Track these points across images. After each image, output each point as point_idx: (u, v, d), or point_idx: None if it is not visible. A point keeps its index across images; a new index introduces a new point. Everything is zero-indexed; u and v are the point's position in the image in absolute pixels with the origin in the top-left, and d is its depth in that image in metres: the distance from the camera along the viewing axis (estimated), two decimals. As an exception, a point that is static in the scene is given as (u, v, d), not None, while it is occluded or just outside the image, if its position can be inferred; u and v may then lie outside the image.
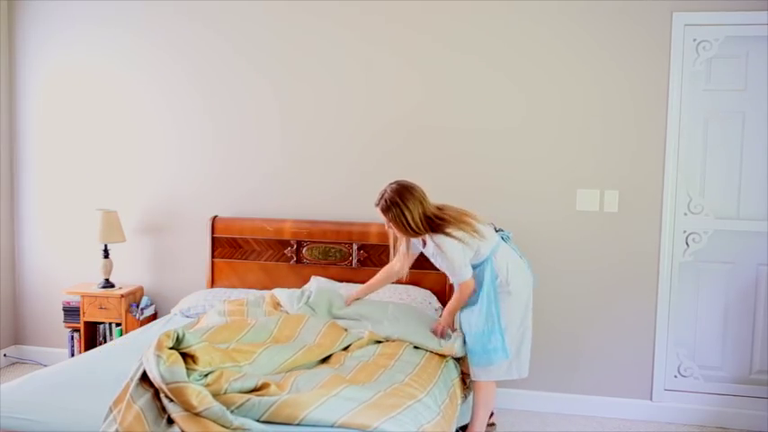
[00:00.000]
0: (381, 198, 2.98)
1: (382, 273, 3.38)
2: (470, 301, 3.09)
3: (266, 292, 3.62)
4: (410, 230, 2.95)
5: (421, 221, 2.94)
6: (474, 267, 3.06)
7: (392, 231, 3.08)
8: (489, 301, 3.01)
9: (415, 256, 3.27)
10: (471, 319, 3.06)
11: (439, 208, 3.01)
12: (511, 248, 3.15)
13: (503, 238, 3.16)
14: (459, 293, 3.09)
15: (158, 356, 2.20)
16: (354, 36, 3.87)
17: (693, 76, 3.58)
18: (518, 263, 3.12)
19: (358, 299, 3.38)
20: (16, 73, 4.32)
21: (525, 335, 3.11)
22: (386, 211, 2.97)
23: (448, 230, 2.93)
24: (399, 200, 2.92)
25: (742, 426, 3.62)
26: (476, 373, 3.07)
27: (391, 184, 3.00)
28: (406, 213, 2.93)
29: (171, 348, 2.26)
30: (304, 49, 3.94)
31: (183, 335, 2.31)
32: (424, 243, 3.11)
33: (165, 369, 2.17)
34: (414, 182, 3.02)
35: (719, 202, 3.64)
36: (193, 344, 2.31)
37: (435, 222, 2.95)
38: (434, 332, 3.12)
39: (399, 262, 3.26)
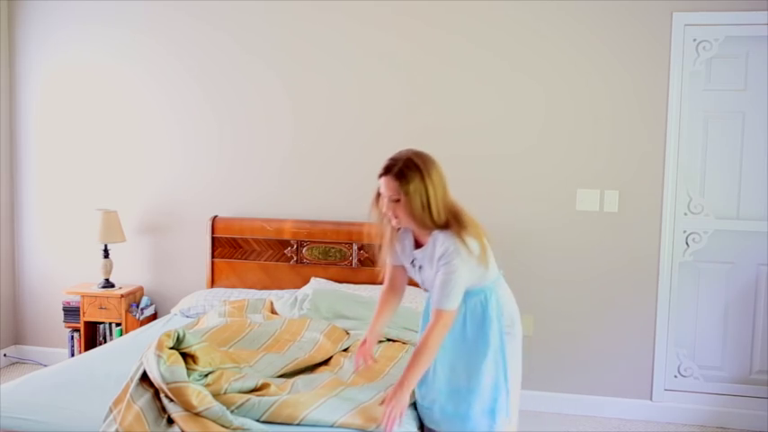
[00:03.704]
0: (395, 163, 2.19)
1: (383, 303, 2.53)
2: (469, 342, 2.29)
3: (266, 295, 3.63)
4: (428, 213, 2.18)
5: (444, 204, 2.20)
6: (471, 295, 2.30)
7: (385, 225, 2.30)
8: (497, 347, 2.27)
9: (403, 271, 2.47)
10: (469, 369, 2.28)
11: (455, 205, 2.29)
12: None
13: None
14: (436, 329, 2.19)
15: (159, 356, 2.20)
16: (343, 38, 3.87)
17: (693, 76, 3.58)
18: (514, 302, 2.46)
19: (374, 337, 2.55)
20: (16, 72, 4.32)
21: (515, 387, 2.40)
22: (402, 178, 2.16)
23: (464, 235, 2.19)
24: (424, 167, 2.19)
25: (742, 426, 3.62)
26: None
27: (405, 150, 2.26)
28: (430, 188, 2.17)
29: (171, 348, 2.26)
30: (303, 51, 3.93)
31: (184, 335, 2.31)
32: (417, 245, 2.35)
33: (165, 369, 2.17)
34: None
35: (719, 202, 3.64)
36: (194, 344, 2.32)
37: (453, 218, 2.22)
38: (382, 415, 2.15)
39: (398, 275, 2.49)
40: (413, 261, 2.36)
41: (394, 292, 2.52)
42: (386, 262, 2.45)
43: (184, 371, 2.20)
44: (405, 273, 2.46)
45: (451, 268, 2.16)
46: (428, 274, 2.28)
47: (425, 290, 2.39)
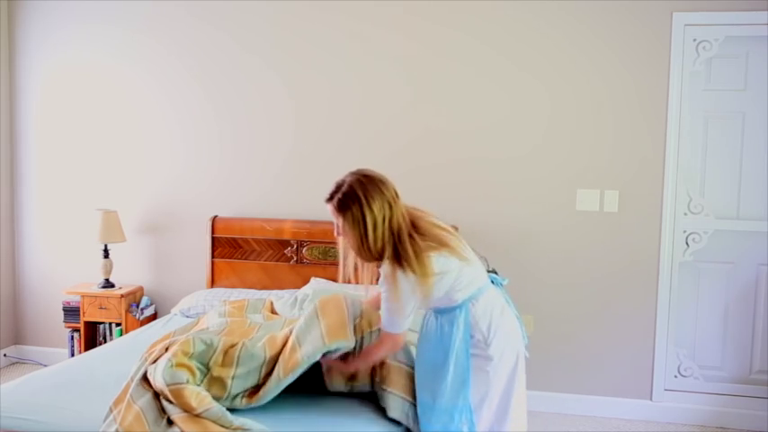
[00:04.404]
0: (337, 190, 2.18)
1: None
2: (435, 360, 2.27)
3: (266, 295, 3.62)
4: (365, 248, 2.15)
5: (382, 237, 2.13)
6: (441, 313, 2.28)
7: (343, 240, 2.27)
8: (457, 367, 2.22)
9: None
10: (433, 386, 2.25)
11: (414, 220, 2.22)
12: (503, 297, 2.38)
13: (493, 282, 2.39)
14: (381, 349, 2.28)
15: (169, 360, 2.24)
16: (344, 38, 3.87)
17: (693, 76, 3.58)
18: (507, 318, 2.32)
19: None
20: (16, 72, 4.32)
21: (507, 413, 2.28)
22: (340, 208, 2.16)
23: (403, 264, 2.12)
24: (364, 195, 2.13)
25: (742, 426, 3.62)
26: None
27: (353, 172, 2.21)
28: (368, 218, 2.12)
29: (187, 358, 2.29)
30: (304, 50, 3.93)
31: (201, 352, 2.33)
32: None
33: (167, 372, 2.19)
34: (384, 175, 2.24)
35: (719, 202, 3.64)
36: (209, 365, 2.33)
37: (404, 244, 2.13)
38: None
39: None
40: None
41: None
42: (350, 276, 2.39)
43: (185, 375, 2.21)
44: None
45: (385, 295, 2.20)
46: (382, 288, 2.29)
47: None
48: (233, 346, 2.40)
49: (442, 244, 2.19)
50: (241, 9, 3.98)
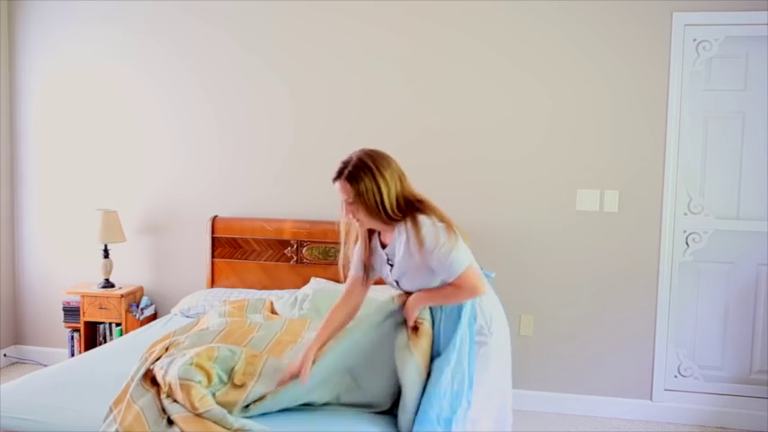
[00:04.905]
0: (346, 165, 2.19)
1: (333, 315, 2.40)
2: (438, 346, 2.26)
3: (266, 295, 3.62)
4: (383, 212, 2.16)
5: (397, 201, 2.19)
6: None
7: (348, 226, 2.30)
8: (462, 351, 2.22)
9: (372, 280, 2.42)
10: (435, 372, 2.23)
11: (421, 198, 2.28)
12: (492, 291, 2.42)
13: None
14: (456, 291, 2.23)
15: (191, 357, 2.24)
16: (344, 37, 3.87)
17: (693, 76, 3.58)
18: (500, 309, 2.42)
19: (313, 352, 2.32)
20: (16, 72, 4.32)
21: (505, 401, 2.38)
22: (353, 180, 2.16)
23: (432, 216, 2.20)
24: (374, 165, 2.18)
25: (742, 426, 3.62)
26: None
27: (357, 151, 2.24)
28: (382, 185, 2.16)
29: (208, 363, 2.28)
30: (304, 50, 3.93)
31: (225, 358, 2.31)
32: (383, 245, 2.33)
33: (184, 368, 2.20)
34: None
35: (719, 202, 3.64)
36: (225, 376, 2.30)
37: (415, 207, 2.21)
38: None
39: (356, 288, 2.41)
40: (388, 260, 2.32)
41: (348, 305, 2.41)
42: (348, 265, 2.40)
43: (199, 375, 2.21)
44: (364, 287, 2.41)
45: (431, 239, 2.15)
46: (403, 268, 2.25)
47: (400, 288, 2.34)
48: (255, 356, 2.39)
49: (444, 217, 2.24)
50: (241, 9, 3.98)
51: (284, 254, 3.93)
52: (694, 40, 3.54)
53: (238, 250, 3.99)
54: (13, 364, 4.41)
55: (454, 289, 2.22)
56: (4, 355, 4.38)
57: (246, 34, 3.99)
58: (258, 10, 3.96)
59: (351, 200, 2.19)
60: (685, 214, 3.65)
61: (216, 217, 4.03)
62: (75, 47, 4.22)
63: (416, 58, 3.81)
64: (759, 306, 3.64)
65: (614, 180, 3.66)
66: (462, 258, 2.18)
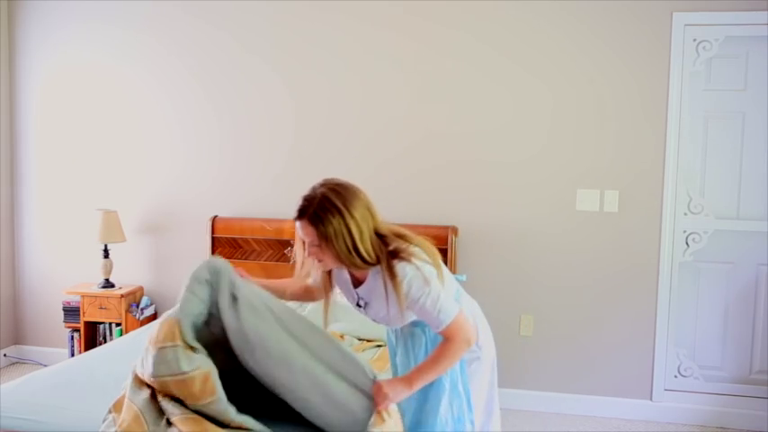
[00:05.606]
0: (309, 204, 1.91)
1: (286, 284, 2.46)
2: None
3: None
4: (357, 257, 1.90)
5: (371, 243, 1.91)
6: (418, 325, 2.11)
7: (305, 257, 2.02)
8: (455, 375, 2.08)
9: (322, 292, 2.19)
10: (431, 402, 2.08)
11: (391, 227, 2.01)
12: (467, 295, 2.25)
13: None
14: (448, 347, 1.95)
15: (175, 346, 2.06)
16: (345, 38, 3.87)
17: (693, 76, 3.58)
18: (481, 315, 2.25)
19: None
20: (16, 72, 4.32)
21: (492, 409, 2.26)
22: (318, 222, 1.87)
23: (414, 261, 1.92)
24: (342, 206, 1.88)
25: (742, 426, 3.62)
26: None
27: (321, 183, 1.96)
28: (353, 228, 1.87)
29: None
30: (304, 50, 3.93)
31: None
32: (356, 282, 2.07)
33: (185, 361, 2.01)
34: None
35: (719, 202, 3.64)
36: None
37: (392, 250, 1.93)
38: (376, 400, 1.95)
39: (314, 291, 2.32)
40: (357, 302, 2.11)
41: (303, 292, 2.34)
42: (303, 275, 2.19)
43: (204, 355, 2.05)
44: (324, 295, 2.20)
45: (431, 297, 1.92)
46: (378, 310, 2.04)
47: (376, 321, 2.14)
48: None
49: (423, 244, 2.01)
50: (241, 9, 3.98)
51: (284, 254, 3.93)
52: (694, 40, 3.54)
53: (238, 250, 3.99)
54: (13, 364, 4.41)
55: (444, 348, 1.95)
56: (4, 355, 4.38)
57: (246, 34, 3.99)
58: (258, 10, 3.96)
59: (316, 242, 1.91)
60: (685, 214, 3.65)
61: (216, 217, 4.03)
62: (76, 47, 4.22)
63: (417, 59, 3.81)
64: (759, 306, 3.64)
65: (614, 180, 3.66)
66: (451, 306, 1.95)
